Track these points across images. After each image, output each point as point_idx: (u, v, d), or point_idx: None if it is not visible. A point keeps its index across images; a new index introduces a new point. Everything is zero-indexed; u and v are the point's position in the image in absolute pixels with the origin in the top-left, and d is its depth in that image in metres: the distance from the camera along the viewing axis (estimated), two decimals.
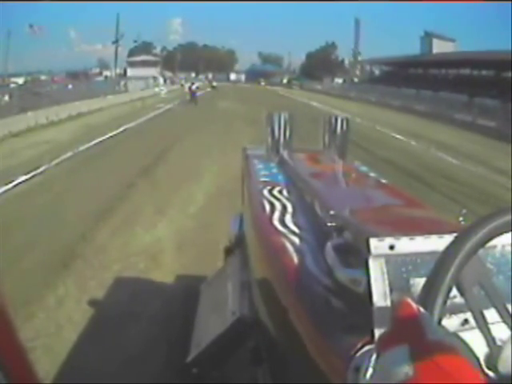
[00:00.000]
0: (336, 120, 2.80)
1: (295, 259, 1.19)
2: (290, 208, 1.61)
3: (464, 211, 1.22)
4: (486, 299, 0.68)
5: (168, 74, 63.71)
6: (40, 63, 59.65)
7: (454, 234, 0.69)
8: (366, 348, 0.78)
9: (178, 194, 6.78)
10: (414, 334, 0.57)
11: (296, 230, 1.39)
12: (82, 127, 15.24)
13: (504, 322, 0.65)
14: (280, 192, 1.82)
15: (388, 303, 0.81)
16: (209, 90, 38.93)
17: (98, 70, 56.52)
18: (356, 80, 54.81)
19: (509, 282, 0.84)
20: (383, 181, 2.05)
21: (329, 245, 1.11)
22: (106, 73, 56.05)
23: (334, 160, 2.55)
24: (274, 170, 2.26)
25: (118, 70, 55.80)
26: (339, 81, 60.45)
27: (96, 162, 9.19)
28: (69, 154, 9.94)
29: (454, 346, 0.57)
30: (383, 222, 1.25)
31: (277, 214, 1.54)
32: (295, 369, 1.12)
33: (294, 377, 1.12)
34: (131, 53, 67.23)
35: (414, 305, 0.61)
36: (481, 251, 0.68)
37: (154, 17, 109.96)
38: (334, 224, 1.20)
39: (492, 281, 0.72)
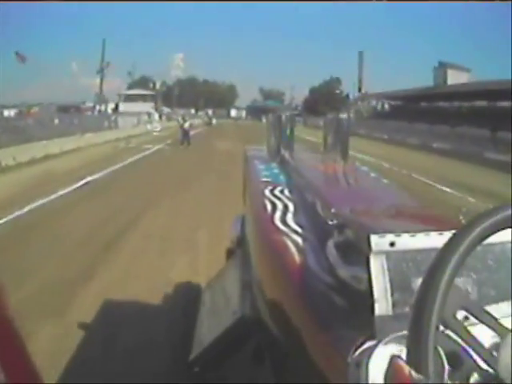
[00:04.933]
0: (337, 121, 2.80)
1: (296, 258, 1.18)
2: (291, 208, 1.58)
3: (464, 209, 1.14)
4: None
5: (166, 109, 61.17)
6: (39, 96, 58.25)
7: (454, 231, 0.69)
8: (367, 344, 0.76)
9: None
10: None
11: (297, 229, 1.37)
12: (35, 178, 11.63)
13: (499, 334, 0.65)
14: (281, 192, 1.80)
15: (389, 299, 0.82)
16: (207, 127, 36.05)
17: (91, 104, 53.60)
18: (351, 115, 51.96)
19: (509, 280, 0.84)
20: (384, 180, 2.05)
21: (330, 243, 1.11)
22: (101, 107, 53.43)
23: (335, 160, 2.53)
24: (276, 171, 2.26)
25: (111, 105, 53.18)
26: (344, 117, 58.01)
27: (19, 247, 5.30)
28: None
29: None
30: (384, 219, 1.23)
31: (278, 214, 1.52)
32: (297, 367, 1.09)
33: (296, 375, 1.10)
34: (130, 87, 65.07)
35: (407, 369, 0.61)
36: (480, 248, 0.67)
37: (156, 52, 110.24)
38: (335, 222, 1.20)
39: (475, 300, 0.75)
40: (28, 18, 75.31)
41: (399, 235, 0.84)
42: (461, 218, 1.10)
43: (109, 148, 19.91)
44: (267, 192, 1.80)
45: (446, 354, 0.67)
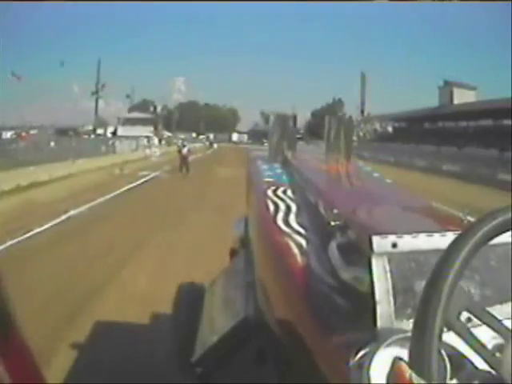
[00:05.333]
0: (340, 121, 2.79)
1: (299, 258, 1.18)
2: (294, 208, 1.59)
3: (467, 211, 1.08)
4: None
5: (167, 133, 60.41)
6: (41, 118, 58.13)
7: (456, 232, 0.69)
8: (369, 346, 0.75)
9: None
10: None
11: (300, 229, 1.37)
12: (13, 210, 10.32)
13: (502, 336, 0.64)
14: (284, 192, 1.80)
15: (391, 301, 0.81)
16: (208, 152, 34.92)
17: (91, 127, 52.72)
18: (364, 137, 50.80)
19: (510, 281, 0.84)
20: (387, 180, 2.06)
21: (332, 244, 1.11)
22: (100, 130, 52.68)
23: (338, 160, 2.52)
24: (278, 171, 2.25)
25: (111, 128, 52.44)
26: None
27: None
28: None
29: None
30: (386, 220, 1.23)
31: (281, 214, 1.52)
32: (299, 368, 1.09)
33: (299, 376, 1.09)
34: (131, 111, 64.54)
35: (408, 372, 0.61)
36: (482, 249, 0.66)
37: (158, 76, 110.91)
38: (337, 223, 1.19)
39: (479, 301, 0.75)
40: (31, 40, 76.00)
41: (401, 236, 0.84)
42: (463, 219, 1.09)
43: (102, 175, 18.63)
44: (270, 192, 1.79)
45: (449, 357, 0.65)
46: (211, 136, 61.22)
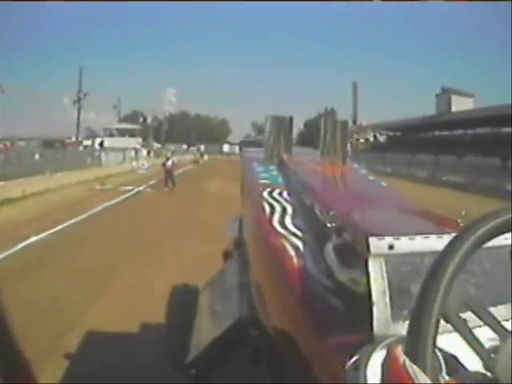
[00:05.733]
0: (335, 123, 2.76)
1: (294, 260, 1.17)
2: (289, 210, 1.58)
3: (463, 212, 1.09)
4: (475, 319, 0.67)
5: (156, 145, 58.97)
6: (31, 129, 57.17)
7: (453, 234, 0.69)
8: (365, 347, 0.73)
9: None
10: None
11: (295, 231, 1.36)
12: None
13: (499, 336, 0.64)
14: (279, 194, 1.78)
15: (387, 302, 0.80)
16: (198, 164, 33.36)
17: (79, 138, 51.22)
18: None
19: (508, 283, 0.82)
20: (382, 183, 2.03)
21: (328, 245, 1.10)
22: (87, 142, 51.21)
23: (333, 162, 2.52)
24: (274, 173, 2.24)
25: (99, 139, 50.93)
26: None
27: None
28: None
29: None
30: (382, 222, 1.22)
31: (276, 216, 1.51)
32: (295, 369, 1.08)
33: (294, 377, 1.09)
34: (121, 122, 63.05)
35: (402, 358, 0.61)
36: (478, 252, 0.66)
37: (149, 87, 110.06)
38: (333, 225, 1.18)
39: (479, 299, 0.73)
40: (22, 51, 74.95)
41: (398, 238, 0.83)
42: (459, 221, 1.08)
43: (81, 190, 17.22)
44: (265, 194, 1.77)
45: (444, 359, 0.65)
46: (202, 147, 59.93)
